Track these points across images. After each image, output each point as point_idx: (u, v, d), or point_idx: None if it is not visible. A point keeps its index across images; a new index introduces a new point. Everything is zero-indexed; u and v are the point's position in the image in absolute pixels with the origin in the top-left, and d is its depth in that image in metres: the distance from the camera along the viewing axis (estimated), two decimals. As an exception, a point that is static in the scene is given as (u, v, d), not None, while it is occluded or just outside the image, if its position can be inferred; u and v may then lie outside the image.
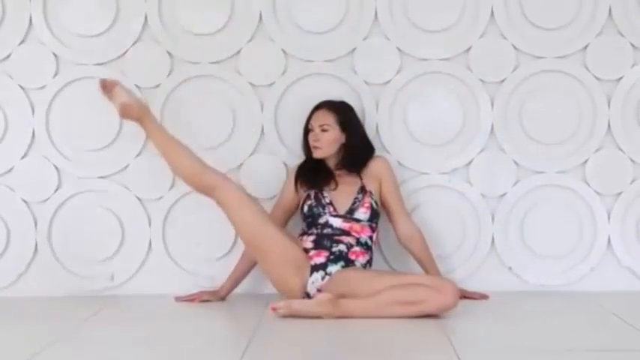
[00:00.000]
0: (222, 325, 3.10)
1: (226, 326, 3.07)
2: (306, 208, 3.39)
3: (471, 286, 3.56)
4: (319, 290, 3.19)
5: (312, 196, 3.39)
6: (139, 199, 3.64)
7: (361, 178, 3.43)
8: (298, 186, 3.47)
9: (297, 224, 3.48)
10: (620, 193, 3.61)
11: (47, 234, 3.64)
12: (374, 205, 3.38)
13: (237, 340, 2.82)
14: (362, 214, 3.36)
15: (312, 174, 3.45)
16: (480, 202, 3.62)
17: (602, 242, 3.61)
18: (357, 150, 3.48)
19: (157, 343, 2.85)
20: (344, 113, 3.47)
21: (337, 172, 3.46)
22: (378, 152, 3.57)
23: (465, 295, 3.35)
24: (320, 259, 3.24)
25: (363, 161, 3.47)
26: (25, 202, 3.65)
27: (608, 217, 3.61)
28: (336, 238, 3.30)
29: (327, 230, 3.33)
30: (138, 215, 3.64)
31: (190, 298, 3.45)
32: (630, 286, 3.59)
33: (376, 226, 3.40)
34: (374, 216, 3.38)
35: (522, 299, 3.47)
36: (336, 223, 3.33)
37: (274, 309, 3.05)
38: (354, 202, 3.37)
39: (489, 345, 2.76)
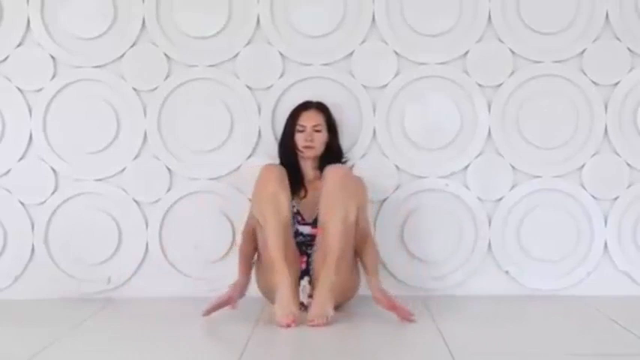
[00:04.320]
0: (219, 327, 3.09)
1: (223, 328, 3.07)
2: None
3: (468, 290, 3.58)
4: (310, 296, 3.21)
5: None
6: (136, 201, 3.64)
7: None
8: None
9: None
10: (616, 198, 3.61)
11: (44, 236, 3.64)
12: None
13: (234, 342, 2.82)
14: None
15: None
16: (477, 205, 3.62)
17: (598, 246, 3.61)
18: (337, 152, 3.50)
19: (153, 346, 2.85)
20: (329, 114, 3.49)
21: (309, 178, 3.46)
22: (374, 157, 3.60)
23: (392, 306, 3.15)
24: (302, 266, 3.28)
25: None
26: (22, 204, 3.64)
27: (605, 222, 3.61)
28: (310, 242, 3.31)
29: (299, 238, 3.33)
30: (135, 218, 3.64)
31: (221, 304, 3.21)
32: (627, 291, 3.59)
33: None
34: None
35: (519, 303, 3.47)
36: (306, 230, 3.34)
37: (289, 325, 3.02)
38: None
39: (486, 349, 2.76)
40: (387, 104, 3.61)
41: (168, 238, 3.65)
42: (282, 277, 3.10)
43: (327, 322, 3.04)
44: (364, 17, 3.59)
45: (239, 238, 3.42)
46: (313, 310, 3.06)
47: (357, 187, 3.32)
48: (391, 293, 3.18)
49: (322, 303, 3.08)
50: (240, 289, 3.26)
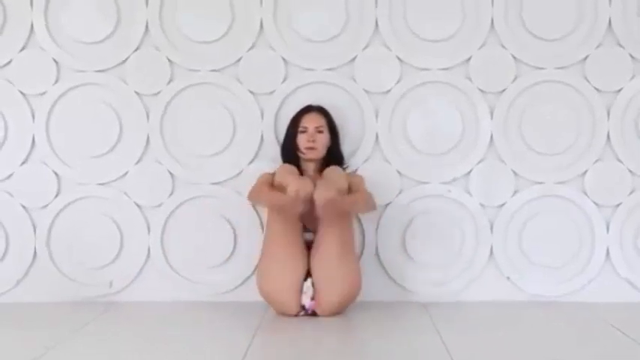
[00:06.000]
0: (221, 331, 3.10)
1: (225, 332, 3.07)
2: None
3: (470, 296, 3.58)
4: (313, 299, 3.23)
5: None
6: (138, 205, 3.64)
7: None
8: None
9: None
10: (618, 204, 3.60)
11: (46, 240, 3.64)
12: None
13: (236, 347, 2.82)
14: None
15: None
16: (479, 211, 3.62)
17: (600, 253, 3.61)
18: (338, 157, 3.51)
19: (156, 349, 2.85)
20: (331, 118, 3.50)
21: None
22: (377, 162, 3.60)
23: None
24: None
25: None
26: (25, 208, 3.65)
27: (607, 228, 3.61)
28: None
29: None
30: (137, 222, 3.64)
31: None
32: (628, 298, 3.59)
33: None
34: None
35: (520, 309, 3.47)
36: (309, 236, 3.34)
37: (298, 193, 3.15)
38: None
39: (487, 355, 2.76)
40: (389, 110, 3.61)
41: (170, 242, 3.65)
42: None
43: (332, 198, 3.13)
44: (367, 22, 3.59)
45: (256, 192, 3.38)
46: (318, 193, 3.15)
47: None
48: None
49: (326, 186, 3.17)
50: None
